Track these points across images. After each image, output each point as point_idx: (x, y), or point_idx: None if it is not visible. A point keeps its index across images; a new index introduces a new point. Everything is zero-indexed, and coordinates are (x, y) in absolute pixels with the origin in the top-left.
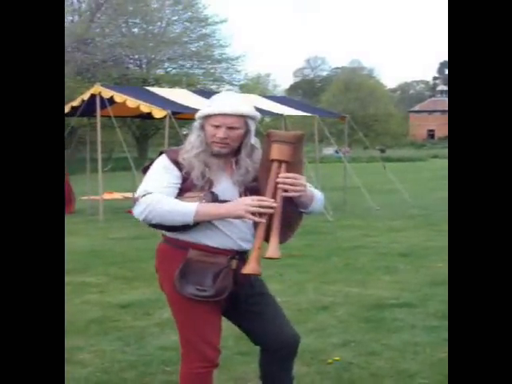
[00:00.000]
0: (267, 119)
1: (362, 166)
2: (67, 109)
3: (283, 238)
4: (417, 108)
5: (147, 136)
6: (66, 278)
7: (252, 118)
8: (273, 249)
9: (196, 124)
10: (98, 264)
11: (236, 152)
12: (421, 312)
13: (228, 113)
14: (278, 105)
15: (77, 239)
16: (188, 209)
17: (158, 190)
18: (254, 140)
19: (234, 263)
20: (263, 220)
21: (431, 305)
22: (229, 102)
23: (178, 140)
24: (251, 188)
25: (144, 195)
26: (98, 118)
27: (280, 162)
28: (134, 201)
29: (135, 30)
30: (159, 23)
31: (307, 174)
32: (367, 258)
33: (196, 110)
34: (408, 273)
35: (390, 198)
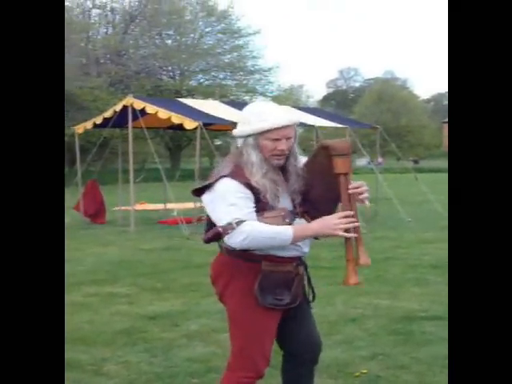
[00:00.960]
0: (299, 130)
1: (395, 177)
2: (100, 120)
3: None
4: None
5: (180, 147)
6: (95, 289)
7: (297, 125)
8: (364, 257)
9: (250, 141)
10: (127, 275)
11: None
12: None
13: (288, 124)
14: (310, 116)
15: (107, 250)
16: (287, 235)
17: (244, 218)
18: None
19: (300, 269)
20: (355, 234)
21: None
22: (282, 113)
23: (209, 151)
24: (305, 195)
25: (238, 223)
26: (130, 129)
27: (345, 174)
28: (224, 230)
29: (169, 41)
30: (192, 35)
31: None
32: (398, 269)
33: (227, 122)
34: (438, 285)
35: (422, 210)
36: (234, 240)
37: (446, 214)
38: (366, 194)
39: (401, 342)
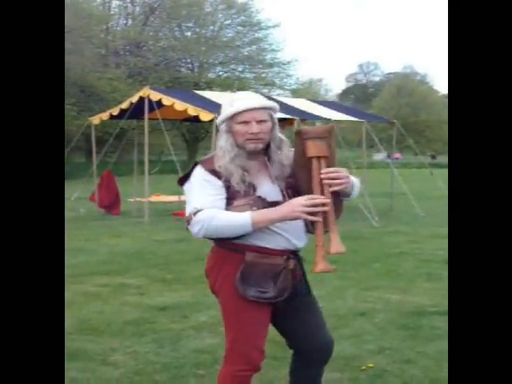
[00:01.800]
0: (317, 123)
1: (412, 172)
2: (116, 111)
3: (326, 228)
4: None
5: (197, 139)
6: (106, 279)
7: (274, 110)
8: (336, 244)
9: (222, 127)
10: (139, 266)
11: (264, 149)
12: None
13: (256, 107)
14: (327, 109)
15: (121, 241)
16: (244, 220)
17: (207, 206)
18: (279, 133)
19: (292, 263)
20: (320, 219)
21: None
22: (251, 97)
23: None
24: (290, 184)
25: (195, 213)
26: (146, 121)
27: (318, 158)
28: (187, 220)
29: (188, 33)
30: (212, 27)
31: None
32: (410, 264)
33: None
34: None
35: (436, 205)
36: (193, 230)
37: None
38: (339, 181)
39: (409, 336)
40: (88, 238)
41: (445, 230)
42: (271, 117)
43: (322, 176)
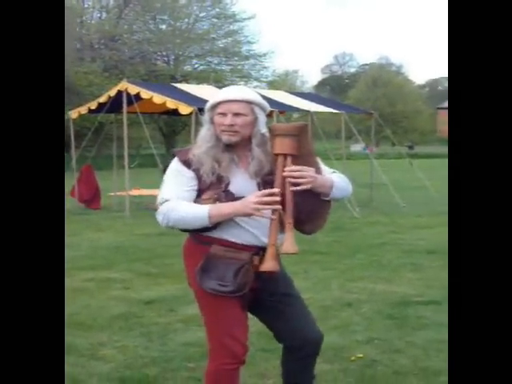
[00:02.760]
0: (295, 115)
1: (390, 162)
2: (94, 105)
3: (314, 228)
4: (445, 104)
5: (175, 132)
6: (91, 274)
7: (259, 105)
8: (287, 244)
9: (205, 117)
10: (123, 260)
11: (247, 145)
12: (446, 309)
13: (232, 98)
14: (305, 101)
15: (103, 235)
16: (201, 213)
17: (175, 197)
18: (264, 130)
19: (257, 259)
20: (273, 216)
21: None
22: (233, 89)
23: None
24: (269, 181)
25: (162, 203)
26: (125, 115)
27: (285, 155)
28: (155, 208)
29: (163, 26)
30: (187, 20)
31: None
32: (393, 254)
33: None
34: (434, 270)
35: (416, 195)
36: (158, 220)
37: (440, 200)
38: (302, 180)
39: (396, 326)
40: (70, 232)
41: (425, 220)
42: (253, 111)
43: (285, 174)
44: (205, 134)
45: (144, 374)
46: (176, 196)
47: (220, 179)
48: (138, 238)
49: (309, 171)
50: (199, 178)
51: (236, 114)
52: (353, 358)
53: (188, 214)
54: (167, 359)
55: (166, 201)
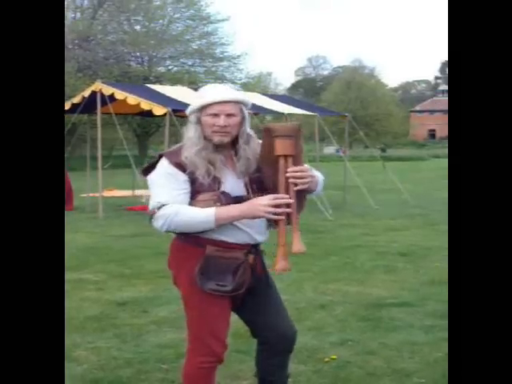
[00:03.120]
0: (268, 117)
1: (363, 164)
2: (68, 106)
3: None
4: (418, 108)
5: (148, 134)
6: (65, 275)
7: (246, 104)
8: (298, 244)
9: (192, 118)
10: (96, 261)
11: (233, 143)
12: (419, 311)
13: (226, 100)
14: (279, 103)
15: (76, 236)
16: (208, 217)
17: (171, 200)
18: (249, 129)
19: (251, 258)
20: (283, 217)
21: (430, 304)
22: (222, 90)
23: (178, 138)
24: (255, 180)
25: (159, 208)
26: (99, 115)
27: (286, 156)
28: (150, 214)
29: (137, 27)
30: (161, 21)
31: None
32: (366, 257)
33: None
34: (407, 272)
35: (389, 198)
36: (156, 224)
37: (412, 202)
38: (304, 180)
39: (370, 328)
40: None
41: (398, 223)
42: (241, 111)
43: (288, 175)
44: (192, 135)
45: (118, 376)
46: (173, 200)
47: (213, 180)
48: (112, 239)
49: (308, 170)
50: (193, 180)
51: (228, 115)
52: (326, 360)
53: (193, 219)
54: (141, 361)
55: (163, 205)
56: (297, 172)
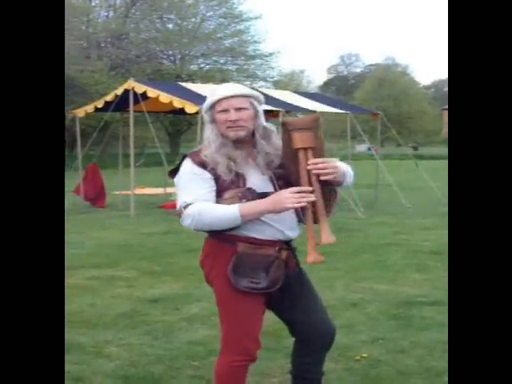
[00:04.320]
0: (300, 115)
1: (395, 163)
2: (101, 104)
3: (328, 215)
4: None
5: (180, 132)
6: (96, 272)
7: (256, 99)
8: (326, 235)
9: (206, 118)
10: (128, 258)
11: (251, 140)
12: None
13: (231, 94)
14: (311, 101)
15: (108, 234)
16: (232, 214)
17: (197, 199)
18: (265, 123)
19: (284, 254)
20: (307, 205)
21: None
22: (228, 86)
23: None
24: (280, 175)
25: (185, 207)
26: (131, 113)
27: (305, 149)
28: (178, 214)
29: (170, 25)
30: (194, 19)
31: None
32: (398, 255)
33: None
34: (438, 271)
35: (422, 196)
36: (185, 224)
37: (445, 201)
38: (326, 171)
39: (401, 326)
40: (75, 230)
41: (430, 221)
42: (252, 105)
43: (309, 167)
44: (210, 134)
45: (149, 372)
46: (199, 199)
47: (237, 177)
48: (143, 237)
49: (330, 161)
50: (217, 178)
51: (238, 109)
52: (357, 358)
53: (218, 216)
54: (172, 357)
55: (189, 204)
56: (318, 163)
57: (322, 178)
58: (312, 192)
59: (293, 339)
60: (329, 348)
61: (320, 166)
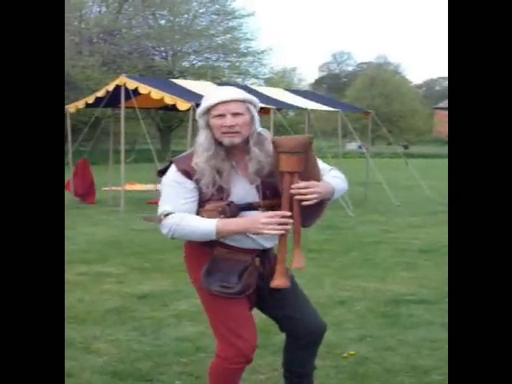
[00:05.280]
0: (291, 113)
1: (385, 161)
2: (92, 99)
3: (312, 223)
4: (442, 105)
5: (171, 128)
6: (85, 268)
7: (253, 103)
8: (298, 260)
9: (200, 123)
10: (117, 254)
11: (245, 147)
12: (439, 309)
13: (229, 99)
14: (303, 99)
15: (97, 229)
16: (208, 229)
17: (176, 209)
18: (260, 128)
19: (258, 261)
20: (282, 232)
21: None
22: (225, 90)
23: None
24: (269, 185)
25: (165, 215)
26: (123, 109)
27: (291, 173)
28: (158, 220)
29: (162, 21)
30: (186, 15)
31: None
32: (387, 253)
33: None
34: (427, 269)
35: (411, 195)
36: (163, 231)
37: (435, 199)
38: (310, 196)
39: (389, 324)
40: (65, 226)
41: (419, 219)
42: (248, 110)
43: (293, 191)
44: (203, 140)
45: (137, 368)
46: (179, 209)
47: (221, 190)
48: (133, 233)
49: (315, 186)
50: (200, 188)
51: (235, 114)
52: (345, 355)
53: (195, 231)
54: (160, 354)
55: (169, 214)
56: (301, 189)
57: (305, 203)
58: (290, 217)
59: (282, 336)
60: (319, 344)
61: (303, 191)
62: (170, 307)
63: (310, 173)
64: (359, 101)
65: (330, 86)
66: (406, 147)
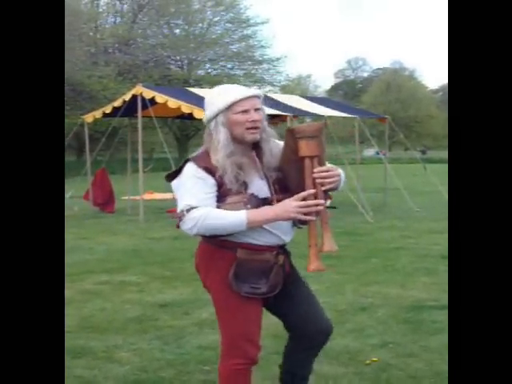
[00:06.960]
0: (308, 120)
1: (403, 167)
2: (109, 109)
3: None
4: None
5: (188, 137)
6: (106, 277)
7: (262, 100)
8: (329, 243)
9: (219, 120)
10: (137, 263)
11: (253, 143)
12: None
13: (252, 94)
14: (319, 106)
15: (117, 239)
16: (239, 219)
17: (201, 203)
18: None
19: (281, 258)
20: (313, 218)
21: None
22: (240, 87)
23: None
24: (277, 180)
25: (188, 210)
26: (140, 119)
27: (311, 157)
28: (179, 217)
29: (177, 31)
30: (201, 24)
31: (347, 175)
32: (407, 259)
33: None
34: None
35: (430, 200)
36: (185, 227)
37: None
38: (331, 179)
39: (411, 330)
40: (84, 236)
41: (439, 225)
42: (262, 107)
43: (315, 175)
44: (222, 138)
45: (159, 377)
46: (203, 203)
47: (242, 185)
48: (152, 242)
49: (333, 169)
50: (220, 184)
51: (257, 110)
52: (367, 362)
53: (224, 223)
54: (182, 362)
55: (192, 208)
56: (323, 172)
57: (328, 187)
58: (321, 202)
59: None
60: (325, 343)
61: (325, 174)
62: (192, 315)
63: (321, 158)
64: (375, 106)
65: (346, 92)
66: (423, 152)
